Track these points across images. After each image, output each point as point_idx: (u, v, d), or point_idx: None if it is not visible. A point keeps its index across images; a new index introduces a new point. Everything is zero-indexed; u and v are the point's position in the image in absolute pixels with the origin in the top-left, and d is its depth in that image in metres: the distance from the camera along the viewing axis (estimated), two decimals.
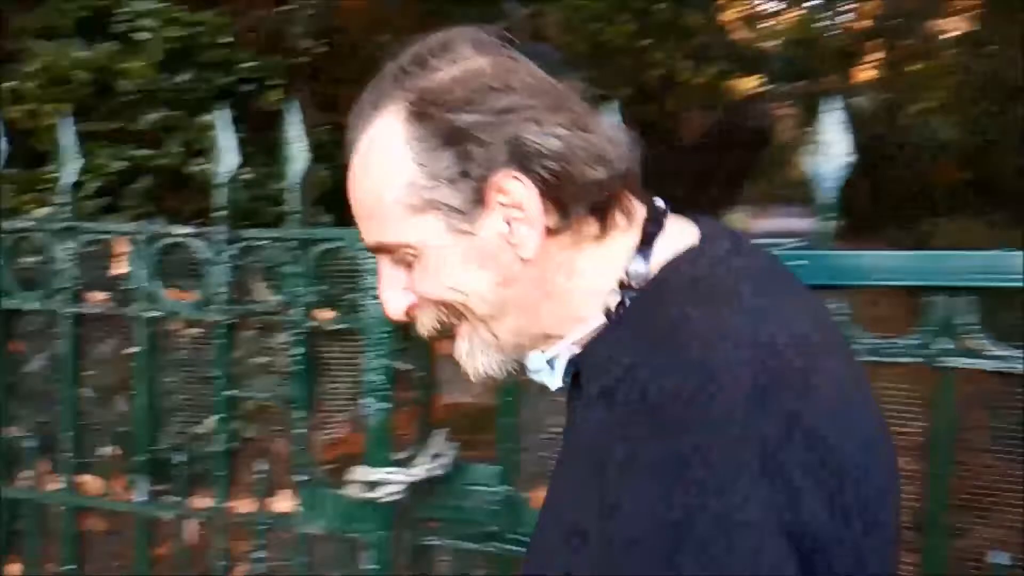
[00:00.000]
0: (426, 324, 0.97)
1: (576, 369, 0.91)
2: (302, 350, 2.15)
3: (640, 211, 0.93)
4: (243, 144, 5.22)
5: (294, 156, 2.15)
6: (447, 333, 0.97)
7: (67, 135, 2.38)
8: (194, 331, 2.55)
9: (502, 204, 0.88)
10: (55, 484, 2.45)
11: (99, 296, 2.34)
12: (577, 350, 0.92)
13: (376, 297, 1.60)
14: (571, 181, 0.86)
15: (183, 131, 4.73)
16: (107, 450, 2.37)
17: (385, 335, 1.99)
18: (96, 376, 2.54)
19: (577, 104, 0.91)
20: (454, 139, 0.87)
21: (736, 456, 0.69)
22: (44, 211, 3.91)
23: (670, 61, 11.26)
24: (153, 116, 4.74)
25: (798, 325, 0.82)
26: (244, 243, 2.20)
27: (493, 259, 0.89)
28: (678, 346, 0.77)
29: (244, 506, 2.22)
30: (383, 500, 1.95)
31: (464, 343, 0.96)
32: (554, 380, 0.95)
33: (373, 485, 1.96)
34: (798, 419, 0.72)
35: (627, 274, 0.89)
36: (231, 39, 5.13)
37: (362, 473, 1.97)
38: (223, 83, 5.14)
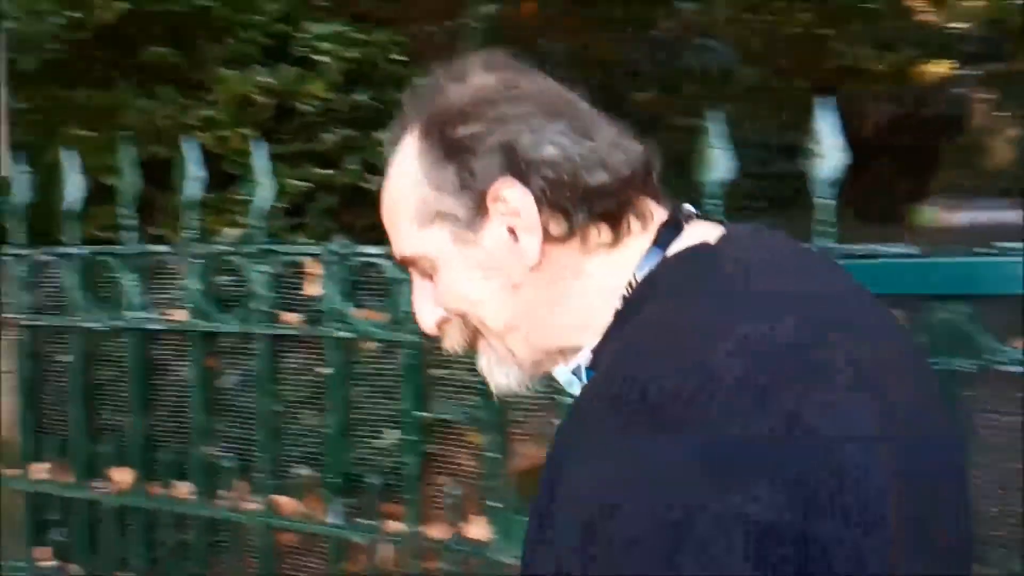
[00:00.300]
0: (455, 339, 0.98)
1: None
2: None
3: (659, 215, 0.93)
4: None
5: None
6: (473, 348, 0.98)
7: (261, 159, 2.41)
8: (373, 347, 2.54)
9: (502, 213, 0.89)
10: (252, 504, 2.48)
11: (293, 317, 2.35)
12: (584, 359, 0.92)
13: None
14: (570, 187, 0.87)
15: (361, 149, 4.80)
16: (302, 470, 2.37)
17: None
18: (289, 395, 2.55)
19: (581, 112, 0.92)
20: (453, 152, 0.90)
21: (735, 456, 0.68)
22: (235, 232, 4.03)
23: (851, 50, 10.72)
24: (332, 136, 4.83)
25: (813, 318, 0.77)
26: (354, 262, 2.16)
27: (498, 269, 0.91)
28: (677, 345, 0.76)
29: (437, 531, 2.17)
30: None
31: (483, 358, 0.98)
32: (572, 388, 0.95)
33: None
34: (798, 419, 0.70)
35: (635, 278, 0.88)
36: (404, 57, 5.17)
37: None
38: (398, 100, 5.19)
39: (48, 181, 3.64)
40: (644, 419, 0.72)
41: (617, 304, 0.88)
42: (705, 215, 0.96)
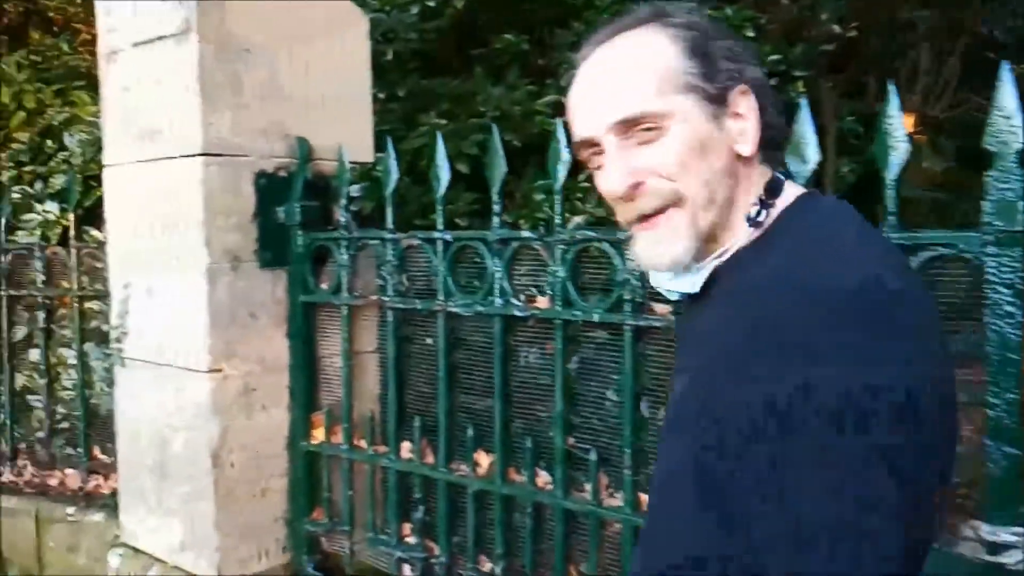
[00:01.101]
0: (641, 207, 1.07)
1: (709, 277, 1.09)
2: None
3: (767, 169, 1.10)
4: None
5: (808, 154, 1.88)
6: (646, 219, 1.08)
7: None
8: None
9: (736, 113, 1.07)
10: (614, 500, 2.39)
11: (664, 308, 2.22)
12: (723, 259, 1.08)
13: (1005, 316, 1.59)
14: (768, 116, 1.07)
15: None
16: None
17: (1013, 363, 1.59)
18: (649, 388, 2.42)
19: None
20: (710, 52, 1.06)
21: (901, 340, 0.89)
22: (580, 219, 3.98)
23: None
24: None
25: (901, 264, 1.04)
26: None
27: (716, 151, 1.05)
28: (837, 255, 0.95)
29: None
30: (1013, 567, 1.56)
31: (657, 231, 1.08)
32: (694, 284, 1.10)
33: (998, 547, 1.58)
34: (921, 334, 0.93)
35: (761, 201, 1.07)
36: (753, 33, 4.88)
37: (984, 531, 1.59)
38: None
39: (406, 169, 3.80)
40: (876, 318, 0.90)
41: (744, 214, 1.08)
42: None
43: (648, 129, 1.05)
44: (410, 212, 3.75)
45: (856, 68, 6.01)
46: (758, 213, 1.07)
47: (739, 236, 1.07)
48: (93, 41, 7.19)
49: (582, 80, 1.12)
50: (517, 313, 2.54)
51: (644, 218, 1.08)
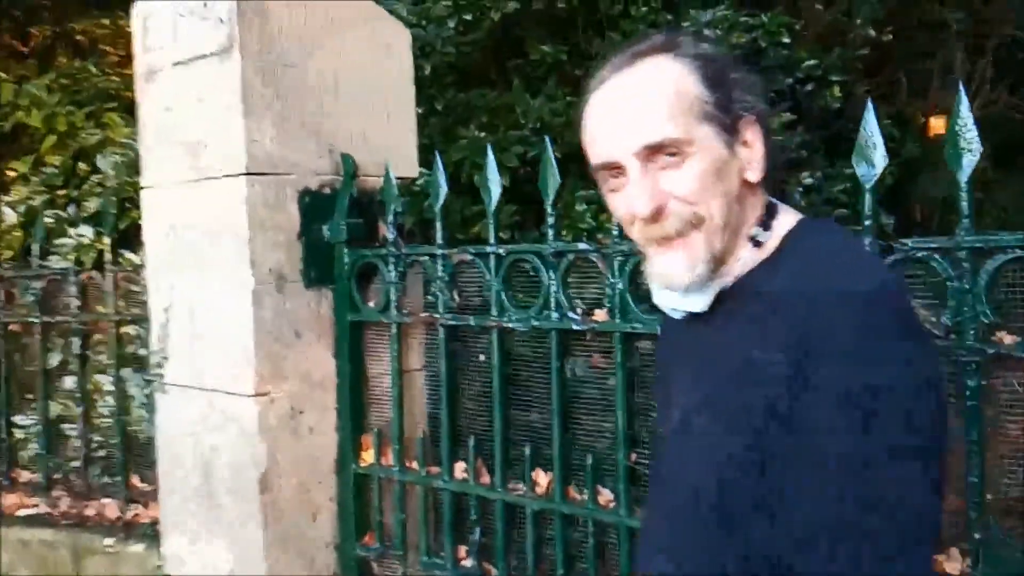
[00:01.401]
0: (665, 229, 1.13)
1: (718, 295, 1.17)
2: (976, 381, 1.73)
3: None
4: (803, 147, 4.84)
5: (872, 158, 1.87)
6: (666, 241, 1.14)
7: None
8: None
9: (745, 141, 1.14)
10: None
11: None
12: (729, 281, 1.16)
13: None
14: (768, 144, 1.16)
15: None
16: None
17: None
18: None
19: None
20: (723, 83, 1.12)
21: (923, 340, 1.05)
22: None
23: None
24: None
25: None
26: (898, 256, 1.85)
27: (728, 177, 1.12)
28: (852, 268, 1.07)
29: None
30: None
31: (677, 252, 1.14)
32: (704, 304, 1.16)
33: None
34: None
35: (761, 226, 1.16)
36: (788, 39, 4.81)
37: None
38: (783, 85, 4.85)
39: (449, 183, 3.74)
40: (895, 322, 1.01)
41: (745, 239, 1.16)
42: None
43: (671, 155, 1.11)
44: (451, 225, 3.70)
45: (889, 71, 5.94)
46: (759, 234, 1.16)
47: (743, 258, 1.16)
48: (122, 63, 7.22)
49: (603, 104, 1.17)
50: (575, 327, 2.46)
51: (665, 240, 1.14)
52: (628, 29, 4.68)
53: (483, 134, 4.22)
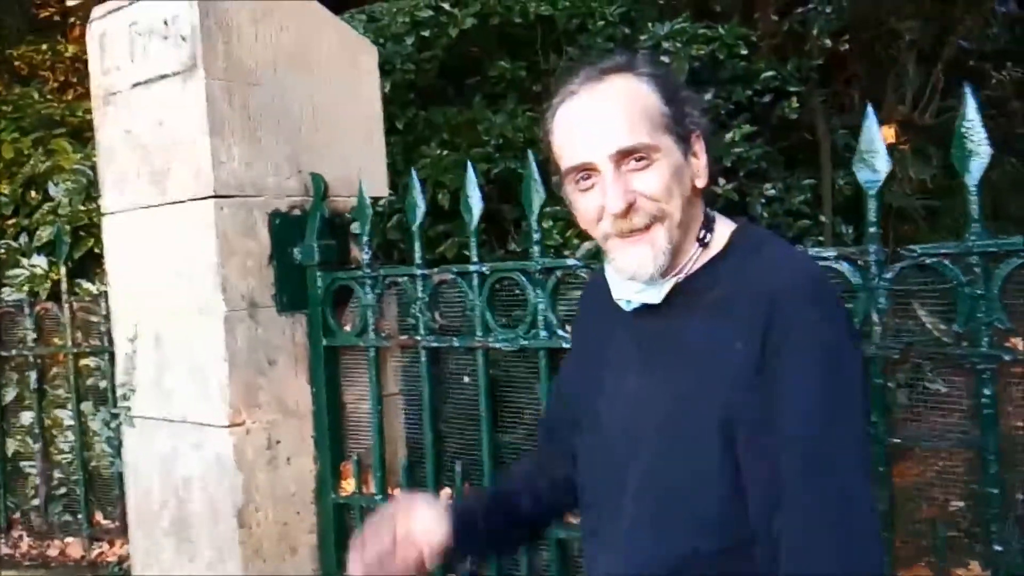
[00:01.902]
0: (634, 223, 1.27)
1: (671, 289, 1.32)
2: (990, 389, 1.71)
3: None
4: (763, 158, 4.84)
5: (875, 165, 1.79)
6: (632, 234, 1.28)
7: None
8: None
9: (694, 152, 1.31)
10: None
11: None
12: (681, 277, 1.31)
13: None
14: (710, 160, 1.32)
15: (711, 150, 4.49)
16: None
17: None
18: None
19: None
20: (677, 100, 1.30)
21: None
22: (589, 245, 3.87)
23: None
24: None
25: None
26: (905, 263, 1.82)
27: (684, 182, 1.29)
28: (790, 261, 1.28)
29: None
30: None
31: (642, 244, 1.28)
32: (660, 295, 1.31)
33: None
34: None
35: (705, 228, 1.33)
36: (745, 51, 4.82)
37: None
38: (742, 97, 4.87)
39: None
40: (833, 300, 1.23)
41: (694, 240, 1.32)
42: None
43: (639, 159, 1.26)
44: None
45: (842, 82, 5.99)
46: (705, 235, 1.32)
47: (692, 256, 1.31)
48: (62, 88, 7.03)
49: (576, 113, 1.30)
50: (565, 345, 2.40)
51: (632, 232, 1.27)
52: (586, 43, 4.65)
53: (445, 152, 4.15)
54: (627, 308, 1.35)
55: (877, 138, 1.88)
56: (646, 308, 1.33)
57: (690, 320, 1.28)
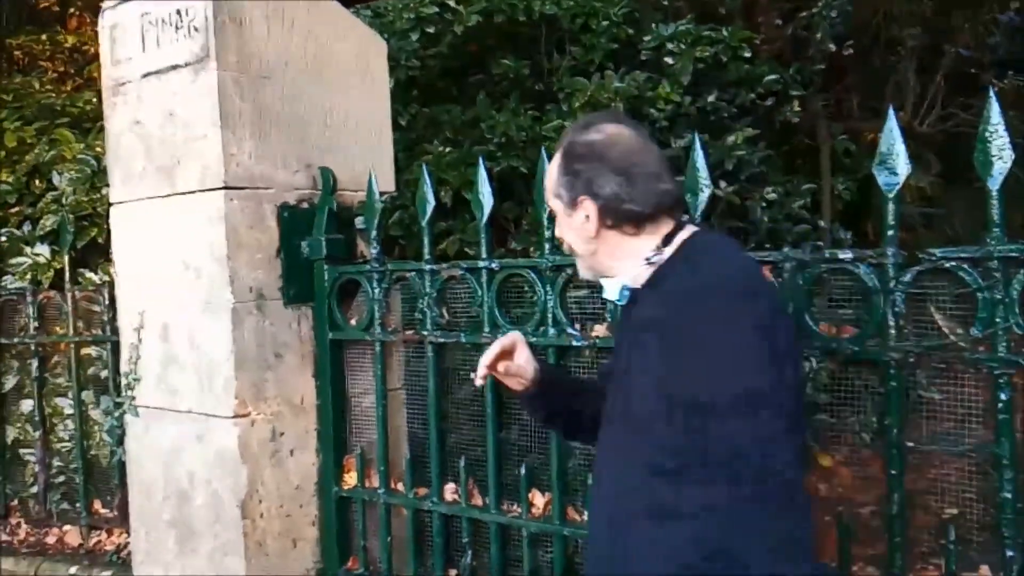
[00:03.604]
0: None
1: (631, 292, 1.65)
2: (1007, 394, 1.73)
3: (666, 226, 1.63)
4: (764, 161, 4.83)
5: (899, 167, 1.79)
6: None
7: (699, 166, 2.25)
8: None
9: (582, 211, 1.63)
10: None
11: None
12: (634, 284, 1.63)
13: None
14: (615, 209, 1.60)
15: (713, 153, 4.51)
16: None
17: None
18: None
19: (640, 168, 1.61)
20: (572, 172, 1.64)
21: (739, 321, 1.43)
22: None
23: None
24: (680, 141, 4.57)
25: (753, 268, 1.62)
26: (923, 266, 1.84)
27: (576, 232, 1.66)
28: (707, 268, 1.54)
29: None
30: None
31: (579, 264, 1.74)
32: (612, 295, 1.68)
33: None
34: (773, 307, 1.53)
35: (655, 250, 1.61)
36: (749, 54, 4.83)
37: None
38: (745, 100, 4.87)
39: (412, 199, 3.66)
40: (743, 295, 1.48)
41: (642, 258, 1.61)
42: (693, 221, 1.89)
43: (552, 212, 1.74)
44: (418, 241, 3.63)
45: (841, 87, 6.01)
46: (655, 255, 1.60)
47: (635, 270, 1.62)
48: (61, 79, 7.00)
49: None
50: (575, 343, 2.42)
51: None
52: (590, 43, 4.66)
53: (448, 149, 4.15)
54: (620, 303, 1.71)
55: (898, 141, 1.89)
56: (625, 304, 1.68)
57: (636, 316, 1.60)
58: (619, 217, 1.60)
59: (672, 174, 1.65)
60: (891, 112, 1.90)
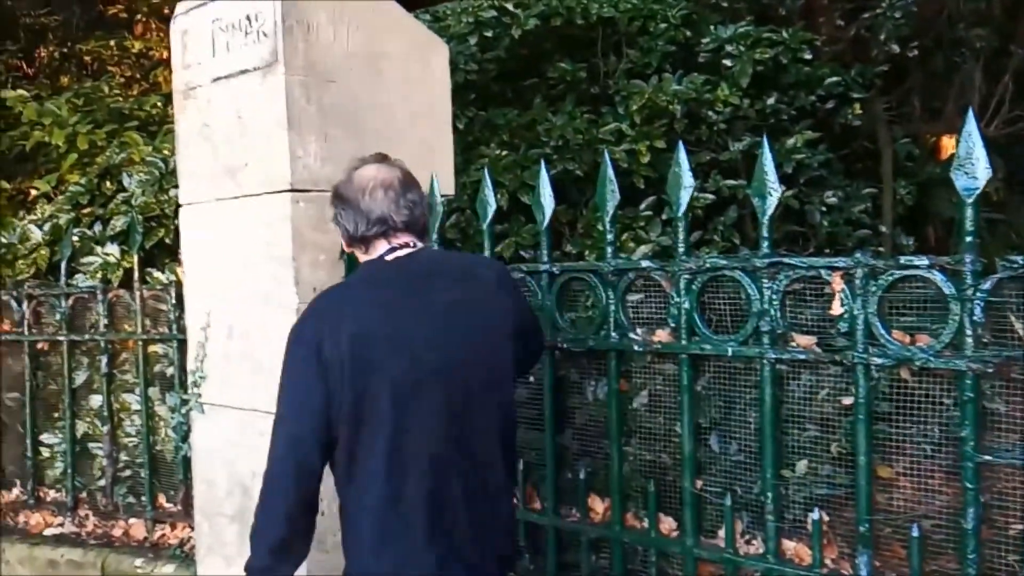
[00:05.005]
0: None
1: None
2: None
3: (383, 246, 2.09)
4: (824, 165, 4.76)
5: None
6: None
7: (682, 164, 2.26)
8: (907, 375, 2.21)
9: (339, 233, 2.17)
10: (752, 547, 2.25)
11: (806, 340, 2.09)
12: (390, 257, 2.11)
13: None
14: (351, 235, 2.10)
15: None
16: (815, 515, 2.10)
17: None
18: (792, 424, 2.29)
19: (369, 202, 2.08)
20: (334, 203, 2.16)
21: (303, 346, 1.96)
22: (645, 249, 3.89)
23: None
24: (738, 144, 4.54)
25: (372, 291, 2.04)
26: (1003, 274, 1.81)
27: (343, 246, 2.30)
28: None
29: None
30: None
31: None
32: None
33: None
34: (323, 336, 1.93)
35: (390, 250, 2.08)
36: (810, 56, 4.78)
37: None
38: (805, 103, 4.83)
39: (468, 202, 3.69)
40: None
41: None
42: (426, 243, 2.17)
43: None
44: (474, 244, 3.65)
45: (902, 90, 5.91)
46: (385, 254, 2.06)
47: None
48: (128, 83, 7.17)
49: None
50: (636, 348, 2.42)
51: None
52: (647, 46, 4.65)
53: (504, 152, 4.17)
54: None
55: (977, 145, 1.85)
56: None
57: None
58: (355, 240, 2.09)
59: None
60: (971, 114, 1.86)
